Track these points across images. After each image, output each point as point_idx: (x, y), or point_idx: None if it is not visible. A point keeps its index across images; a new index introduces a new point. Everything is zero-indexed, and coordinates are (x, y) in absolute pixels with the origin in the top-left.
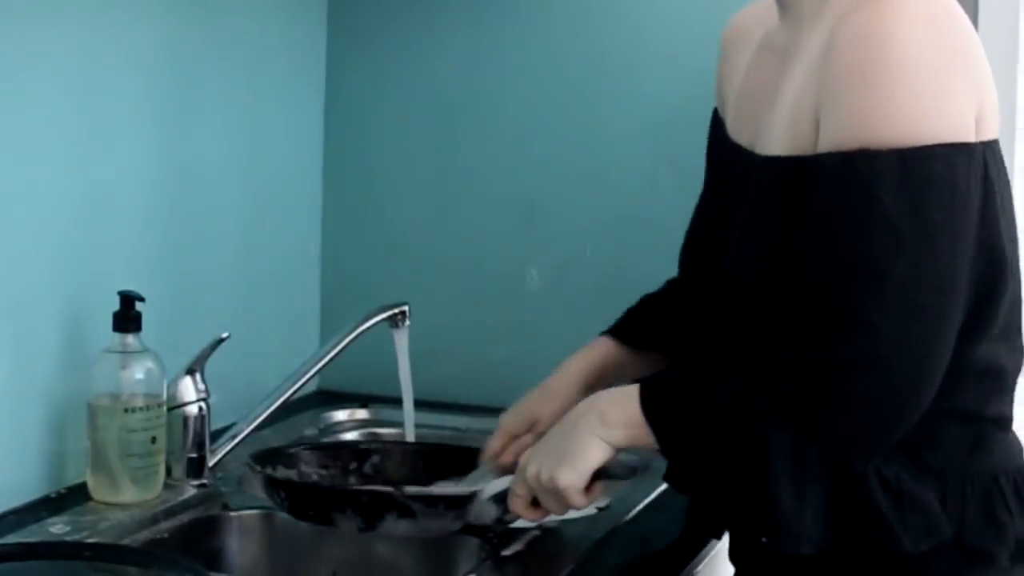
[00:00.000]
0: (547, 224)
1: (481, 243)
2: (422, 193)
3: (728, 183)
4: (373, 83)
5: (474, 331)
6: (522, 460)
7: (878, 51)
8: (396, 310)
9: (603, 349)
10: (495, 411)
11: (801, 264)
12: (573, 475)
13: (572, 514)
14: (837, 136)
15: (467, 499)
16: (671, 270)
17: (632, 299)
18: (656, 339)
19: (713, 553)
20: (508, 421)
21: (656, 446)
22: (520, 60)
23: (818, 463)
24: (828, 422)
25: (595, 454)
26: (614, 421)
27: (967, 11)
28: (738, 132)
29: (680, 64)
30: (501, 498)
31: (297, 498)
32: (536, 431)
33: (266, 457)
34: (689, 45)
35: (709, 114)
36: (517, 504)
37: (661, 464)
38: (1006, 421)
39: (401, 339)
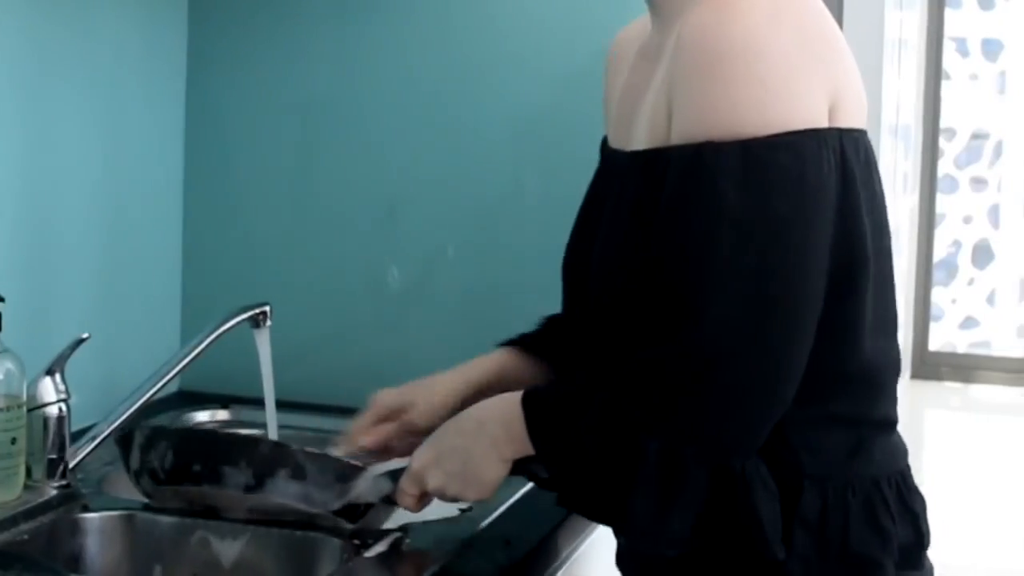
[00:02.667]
0: (409, 224)
1: (343, 243)
2: (284, 193)
3: (603, 187)
4: (235, 82)
5: (336, 331)
6: (414, 463)
7: (721, 41)
8: (257, 310)
9: (501, 357)
10: (356, 412)
11: (654, 260)
12: (481, 494)
13: (436, 515)
14: (685, 128)
15: (357, 471)
16: (533, 270)
17: (495, 299)
18: (551, 350)
19: (576, 555)
20: (383, 397)
21: None
22: (382, 60)
23: (694, 464)
24: (692, 422)
25: (497, 472)
26: (504, 440)
27: (832, 9)
28: (616, 138)
29: (543, 65)
30: (387, 479)
31: (186, 450)
32: (404, 419)
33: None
34: (551, 46)
35: (572, 115)
36: (406, 500)
37: None
38: (888, 423)
39: (262, 339)
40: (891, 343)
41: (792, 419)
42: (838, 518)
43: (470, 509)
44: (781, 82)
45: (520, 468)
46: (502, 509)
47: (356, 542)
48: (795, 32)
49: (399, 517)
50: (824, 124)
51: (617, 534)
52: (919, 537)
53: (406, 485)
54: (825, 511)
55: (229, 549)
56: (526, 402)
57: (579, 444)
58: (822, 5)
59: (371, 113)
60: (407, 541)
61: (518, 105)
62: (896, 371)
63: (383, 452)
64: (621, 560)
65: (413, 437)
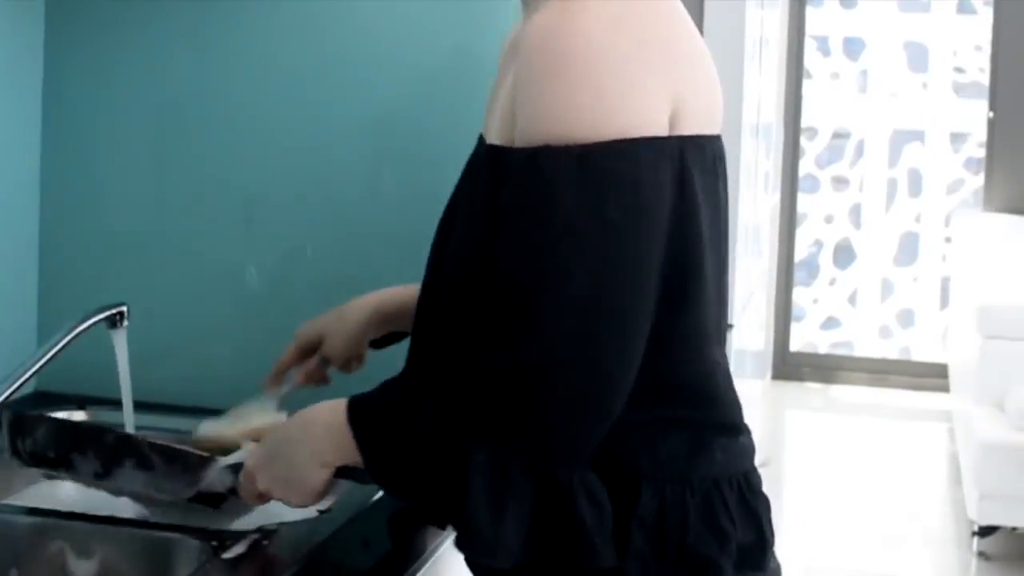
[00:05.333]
0: (268, 223)
1: (202, 242)
2: (143, 192)
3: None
4: (93, 78)
5: (194, 331)
6: (249, 460)
7: (561, 46)
8: (114, 311)
9: (408, 290)
10: (217, 412)
11: (492, 262)
12: (304, 499)
13: (295, 515)
14: (525, 131)
15: (206, 462)
16: (392, 267)
17: (353, 296)
18: None
19: (436, 556)
20: (301, 332)
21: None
22: (242, 58)
23: (520, 475)
24: (520, 432)
25: (317, 479)
26: (328, 447)
27: (692, 8)
28: (485, 129)
29: (404, 64)
30: (229, 473)
31: (41, 437)
32: (323, 352)
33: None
34: (412, 45)
35: (433, 114)
36: (245, 495)
37: None
38: (730, 427)
39: (119, 340)
40: (722, 351)
41: (630, 422)
42: (676, 518)
43: (329, 511)
44: (619, 90)
45: (344, 472)
46: (361, 510)
47: (214, 544)
48: (637, 40)
49: (258, 517)
50: (663, 132)
51: (456, 545)
52: (761, 538)
53: (244, 482)
54: (663, 511)
55: (86, 552)
56: (352, 411)
57: (409, 454)
58: (673, 9)
59: (229, 111)
60: (265, 543)
61: (378, 105)
62: (727, 378)
63: (318, 383)
64: (470, 563)
65: (335, 366)
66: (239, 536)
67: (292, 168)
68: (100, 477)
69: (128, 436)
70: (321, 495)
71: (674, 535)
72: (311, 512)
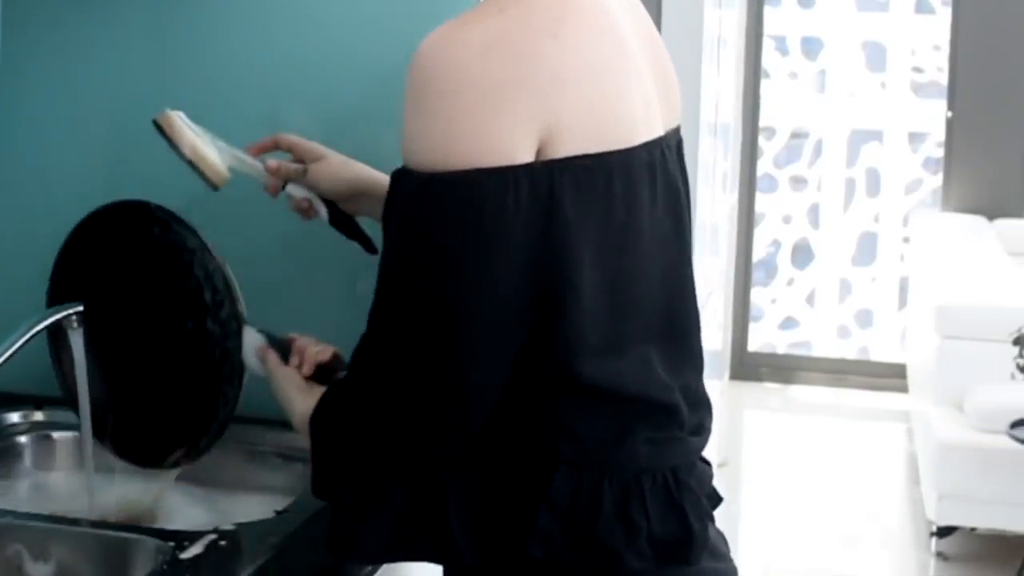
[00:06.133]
0: (225, 225)
1: None
2: (98, 191)
3: None
4: (49, 78)
5: None
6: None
7: (424, 71)
8: (71, 311)
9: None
10: None
11: None
12: None
13: (251, 516)
14: (402, 154)
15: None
16: (345, 272)
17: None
18: None
19: None
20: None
21: None
22: (200, 56)
23: (387, 478)
24: (382, 437)
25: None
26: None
27: (650, 7)
28: None
29: (362, 64)
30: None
31: None
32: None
33: None
34: (371, 45)
35: (388, 111)
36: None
37: None
38: (662, 422)
39: (76, 340)
40: (621, 362)
41: (553, 406)
42: (588, 504)
43: (286, 511)
44: (472, 119)
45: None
46: (318, 510)
47: (172, 544)
48: (511, 64)
49: (215, 518)
50: (521, 161)
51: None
52: (687, 533)
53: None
54: (577, 496)
55: (43, 555)
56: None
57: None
58: (580, 22)
59: (185, 110)
60: (223, 543)
61: (334, 102)
62: (657, 377)
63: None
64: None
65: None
66: (197, 536)
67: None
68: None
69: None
70: None
71: (584, 521)
72: (268, 512)
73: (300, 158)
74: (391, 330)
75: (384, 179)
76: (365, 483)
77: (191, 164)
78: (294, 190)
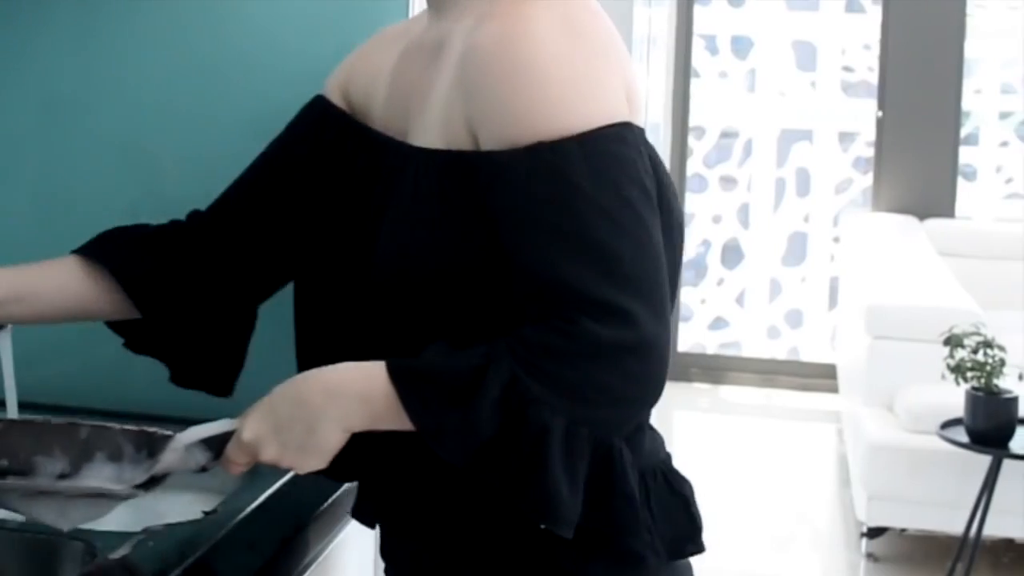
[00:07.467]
0: (154, 222)
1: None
2: (27, 191)
3: (375, 174)
4: None
5: (80, 332)
6: (245, 433)
7: (523, 50)
8: None
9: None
10: (103, 413)
11: (488, 256)
12: (319, 463)
13: (179, 517)
14: (506, 134)
15: (166, 441)
16: None
17: None
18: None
19: (323, 558)
20: None
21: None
22: (132, 55)
23: (586, 446)
24: (599, 405)
25: (337, 443)
26: (358, 416)
27: None
28: (388, 127)
29: (291, 62)
30: (201, 449)
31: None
32: None
33: None
34: (301, 45)
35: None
36: (234, 469)
37: None
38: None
39: (4, 342)
40: None
41: None
42: (645, 497)
43: (215, 511)
44: (589, 81)
45: None
46: (247, 512)
47: (99, 545)
48: (590, 37)
49: (143, 517)
50: (629, 118)
51: (530, 516)
52: (693, 523)
53: (235, 455)
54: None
55: None
56: (397, 377)
57: (474, 423)
58: (600, 10)
59: (117, 110)
60: (151, 544)
61: (265, 102)
62: None
63: None
64: (390, 555)
65: None
66: (124, 537)
67: (180, 167)
68: (64, 477)
69: (103, 426)
70: (332, 457)
71: (655, 516)
72: (196, 513)
73: None
74: (616, 293)
75: (45, 275)
76: (572, 451)
77: None
78: None
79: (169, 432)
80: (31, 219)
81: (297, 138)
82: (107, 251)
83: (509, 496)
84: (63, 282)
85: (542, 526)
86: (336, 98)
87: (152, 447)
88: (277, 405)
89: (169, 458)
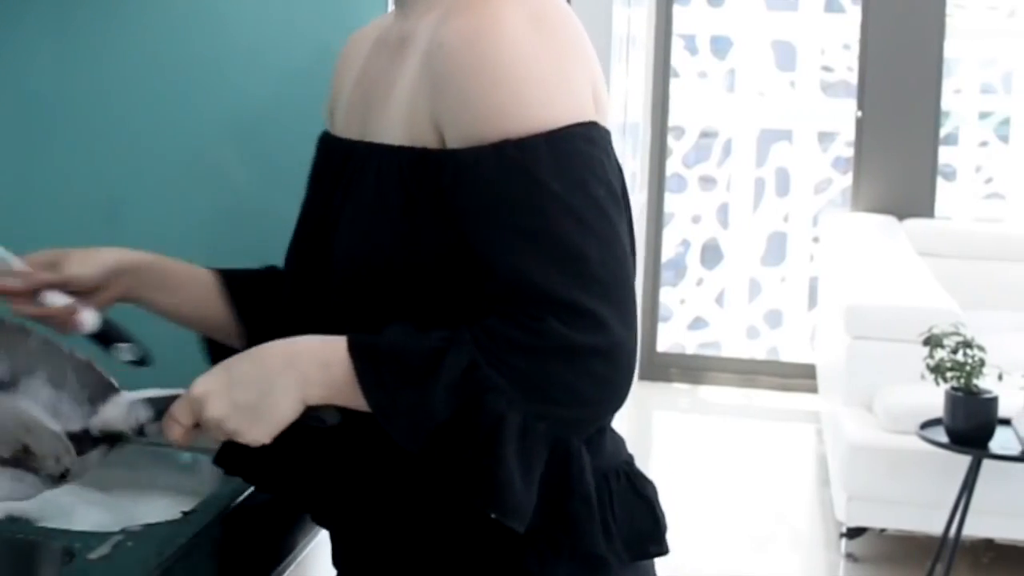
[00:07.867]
0: (131, 222)
1: (63, 241)
2: (2, 189)
3: (337, 177)
4: None
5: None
6: (195, 388)
7: (491, 46)
8: None
9: (169, 263)
10: None
11: (451, 252)
12: (265, 433)
13: (157, 517)
14: (472, 132)
15: (111, 391)
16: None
17: None
18: (253, 298)
19: (300, 559)
20: (34, 257)
21: (364, 409)
22: (107, 54)
23: (542, 441)
24: (560, 404)
25: (289, 413)
26: (316, 382)
27: None
28: (348, 127)
29: (268, 63)
30: (145, 406)
31: None
32: (59, 274)
33: None
34: (277, 44)
35: (297, 111)
36: (174, 431)
37: None
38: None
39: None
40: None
41: None
42: (605, 498)
43: (194, 511)
44: (556, 80)
45: (307, 414)
46: (226, 511)
47: (78, 546)
48: (558, 37)
49: (120, 518)
50: (595, 117)
51: (481, 505)
52: (656, 524)
53: (178, 412)
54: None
55: None
56: (356, 350)
57: (428, 404)
58: (569, 11)
59: (92, 109)
60: (130, 544)
61: (241, 101)
62: None
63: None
64: (339, 559)
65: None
66: (103, 537)
67: (156, 167)
68: (2, 385)
69: (53, 344)
70: (278, 432)
71: (617, 517)
72: (175, 513)
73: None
74: (582, 295)
75: (141, 256)
76: (527, 446)
77: None
78: (54, 298)
79: (117, 385)
80: (9, 215)
81: (315, 179)
82: (244, 289)
83: (460, 483)
84: (204, 295)
85: (492, 516)
86: (329, 118)
87: (96, 392)
88: (234, 363)
89: (109, 412)
